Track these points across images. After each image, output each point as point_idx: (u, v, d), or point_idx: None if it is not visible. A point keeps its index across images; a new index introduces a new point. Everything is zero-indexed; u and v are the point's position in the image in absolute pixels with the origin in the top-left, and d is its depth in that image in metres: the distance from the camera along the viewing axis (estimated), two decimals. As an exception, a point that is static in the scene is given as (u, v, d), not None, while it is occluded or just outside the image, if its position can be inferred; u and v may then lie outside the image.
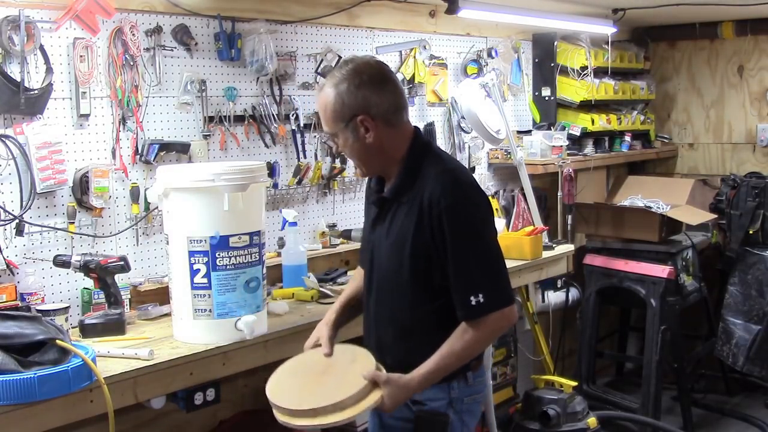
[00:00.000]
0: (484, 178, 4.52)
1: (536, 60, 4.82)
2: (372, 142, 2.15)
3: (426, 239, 2.12)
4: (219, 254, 2.49)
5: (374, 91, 2.14)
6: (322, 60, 3.59)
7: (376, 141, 2.15)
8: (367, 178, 2.42)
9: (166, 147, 3.05)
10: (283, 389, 2.14)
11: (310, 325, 2.78)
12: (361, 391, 2.05)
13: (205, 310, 2.52)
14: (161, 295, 2.87)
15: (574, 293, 4.80)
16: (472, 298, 2.08)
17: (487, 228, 2.17)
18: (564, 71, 4.82)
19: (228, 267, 2.51)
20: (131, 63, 2.94)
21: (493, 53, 4.43)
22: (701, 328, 5.04)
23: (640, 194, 4.88)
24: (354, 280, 2.51)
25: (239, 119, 3.32)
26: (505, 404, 4.05)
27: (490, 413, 3.68)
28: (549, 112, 4.81)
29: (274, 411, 2.10)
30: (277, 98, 3.44)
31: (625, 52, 5.24)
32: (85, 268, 2.66)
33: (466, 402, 2.24)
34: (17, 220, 2.65)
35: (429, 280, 2.16)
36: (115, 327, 2.65)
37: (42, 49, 2.70)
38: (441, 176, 2.14)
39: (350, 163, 3.66)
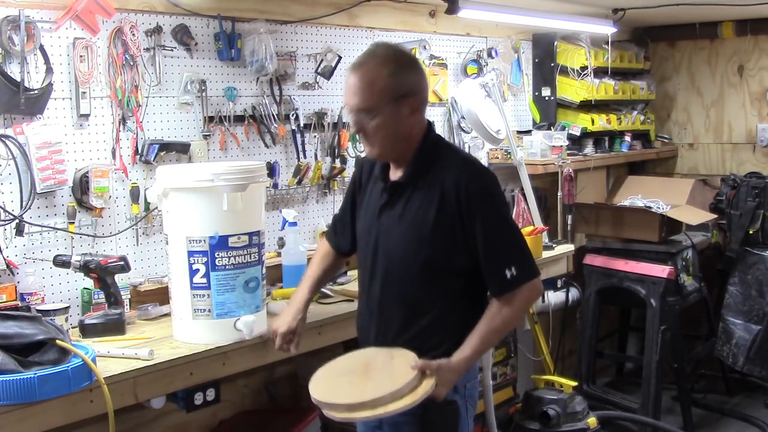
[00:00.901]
0: (484, 178, 4.52)
1: (536, 60, 4.82)
2: (408, 124, 2.21)
3: (450, 222, 2.18)
4: (218, 254, 2.49)
5: (422, 78, 2.25)
6: (322, 60, 3.59)
7: (409, 124, 2.22)
8: (359, 166, 2.47)
9: (166, 147, 3.05)
10: (333, 389, 2.16)
11: (310, 324, 2.79)
12: (414, 380, 2.09)
13: (205, 310, 2.53)
14: (161, 295, 2.87)
15: (574, 293, 4.80)
16: (506, 271, 2.18)
17: (508, 209, 2.32)
18: (564, 71, 4.82)
19: (227, 267, 2.51)
20: (131, 63, 2.94)
21: (493, 53, 4.43)
22: (701, 328, 5.03)
23: (640, 194, 4.88)
24: (320, 257, 2.58)
25: (239, 119, 3.32)
26: (505, 404, 4.05)
27: (490, 413, 3.68)
28: (549, 112, 4.81)
29: (329, 411, 2.10)
30: (277, 98, 3.44)
31: (625, 52, 5.24)
32: (85, 268, 2.67)
33: (468, 387, 2.29)
34: (17, 220, 2.65)
35: (447, 262, 2.21)
36: (115, 327, 2.65)
37: (42, 49, 2.70)
38: (464, 164, 2.25)
39: (350, 162, 3.67)
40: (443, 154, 2.27)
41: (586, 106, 4.90)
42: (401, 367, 2.13)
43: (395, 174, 2.30)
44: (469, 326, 2.21)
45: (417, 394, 2.07)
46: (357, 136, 2.32)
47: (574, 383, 4.06)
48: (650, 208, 4.60)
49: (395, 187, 2.28)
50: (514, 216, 4.55)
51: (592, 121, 4.91)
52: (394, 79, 2.17)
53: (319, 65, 3.60)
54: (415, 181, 2.24)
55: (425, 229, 2.20)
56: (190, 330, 2.56)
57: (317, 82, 3.61)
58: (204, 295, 2.52)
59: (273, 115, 3.41)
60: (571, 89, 4.81)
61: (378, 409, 2.05)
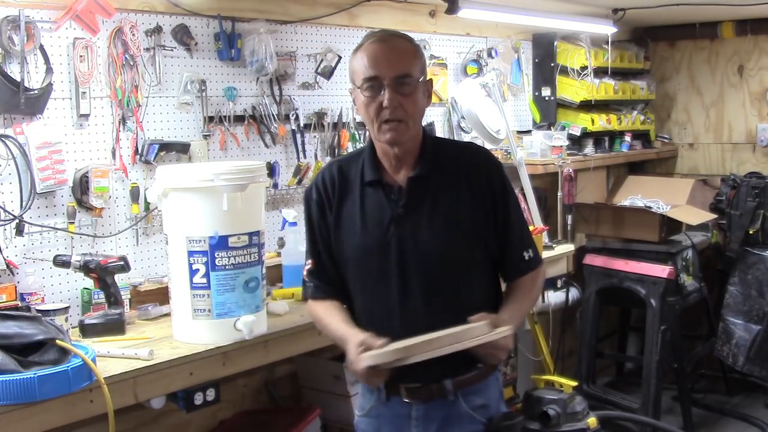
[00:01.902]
0: (484, 178, 4.52)
1: (536, 60, 4.82)
2: (425, 108, 2.14)
3: (484, 212, 2.12)
4: (218, 254, 2.49)
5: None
6: (322, 60, 3.59)
7: (425, 109, 2.14)
8: (316, 187, 2.20)
9: (166, 147, 3.05)
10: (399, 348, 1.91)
11: (310, 325, 2.78)
12: (486, 326, 1.93)
13: (204, 310, 2.53)
14: (161, 295, 2.87)
15: (574, 293, 4.79)
16: (525, 254, 2.18)
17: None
18: (564, 71, 4.82)
19: (227, 267, 2.51)
20: (131, 63, 2.94)
21: (493, 53, 4.43)
22: (701, 328, 5.03)
23: (640, 194, 4.88)
24: (330, 313, 2.18)
25: (239, 119, 3.32)
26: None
27: (490, 413, 3.67)
28: (549, 112, 4.81)
29: (393, 361, 1.89)
30: (277, 98, 3.44)
31: (625, 52, 5.24)
32: (85, 268, 2.66)
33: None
34: (17, 220, 2.65)
35: (487, 252, 2.14)
36: (115, 327, 2.65)
37: (42, 49, 2.70)
38: (469, 146, 2.28)
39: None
40: (444, 143, 2.26)
41: (586, 106, 4.90)
42: (470, 325, 1.94)
43: (401, 172, 2.12)
44: None
45: (493, 335, 1.91)
46: (387, 113, 2.02)
47: (574, 383, 4.05)
48: (650, 208, 4.60)
49: (416, 183, 2.09)
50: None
51: (592, 121, 4.91)
52: (423, 57, 2.14)
53: (319, 65, 3.60)
54: (434, 174, 2.10)
55: (466, 223, 2.09)
56: (190, 330, 2.56)
57: (317, 82, 3.61)
58: (204, 295, 2.52)
59: (273, 115, 3.41)
60: (571, 89, 4.81)
61: (457, 345, 1.88)
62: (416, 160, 2.12)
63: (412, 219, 2.08)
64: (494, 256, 2.16)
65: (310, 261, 2.24)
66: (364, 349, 1.95)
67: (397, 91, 2.02)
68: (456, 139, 2.17)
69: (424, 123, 4.00)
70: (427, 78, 2.14)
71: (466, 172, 2.11)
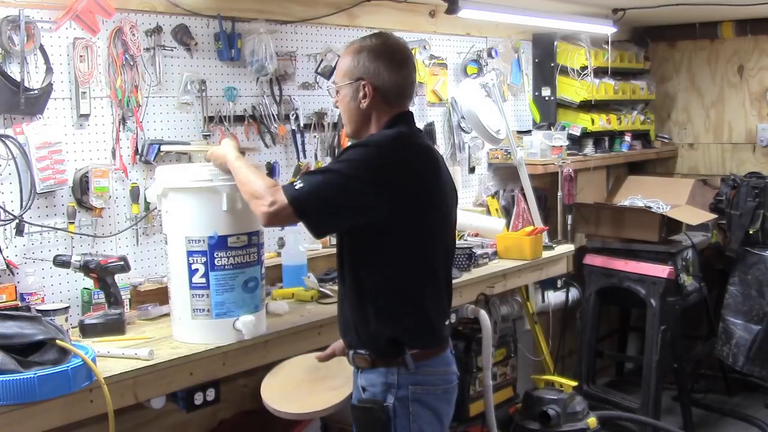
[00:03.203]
0: (484, 178, 4.53)
1: (536, 60, 4.82)
2: (364, 108, 2.27)
3: None
4: (217, 254, 2.49)
5: (388, 68, 2.26)
6: (322, 60, 3.59)
7: (367, 109, 2.27)
8: None
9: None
10: (283, 373, 2.56)
11: (310, 325, 2.79)
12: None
13: (204, 310, 2.53)
14: (161, 295, 2.87)
15: (574, 293, 4.80)
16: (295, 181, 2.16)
17: (349, 165, 2.14)
18: (564, 71, 4.82)
19: (226, 267, 2.51)
20: (131, 63, 2.94)
21: (493, 53, 4.43)
22: (701, 328, 5.03)
23: (640, 194, 4.88)
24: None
25: (239, 119, 3.32)
26: (505, 404, 4.05)
27: (490, 413, 3.68)
28: (549, 112, 4.81)
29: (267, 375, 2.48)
30: (277, 98, 3.44)
31: (625, 52, 5.25)
32: (85, 268, 2.67)
33: (412, 391, 2.22)
34: (17, 220, 2.65)
35: (343, 237, 2.33)
36: (115, 327, 2.65)
37: (42, 49, 2.70)
38: (372, 136, 2.28)
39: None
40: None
41: (586, 106, 4.90)
42: (325, 400, 2.49)
43: None
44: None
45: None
46: None
47: (574, 383, 4.06)
48: (650, 208, 4.60)
49: None
50: (514, 216, 4.55)
51: (592, 121, 4.91)
52: (356, 61, 2.27)
53: (319, 65, 3.60)
54: None
55: None
56: (189, 330, 2.56)
57: (317, 82, 3.61)
58: (203, 295, 2.52)
59: (273, 115, 3.41)
60: (571, 89, 4.81)
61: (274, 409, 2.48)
62: None
63: None
64: (352, 241, 2.23)
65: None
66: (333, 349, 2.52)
67: (332, 94, 2.38)
68: (402, 131, 2.24)
69: (423, 123, 4.06)
70: (371, 78, 2.24)
71: None
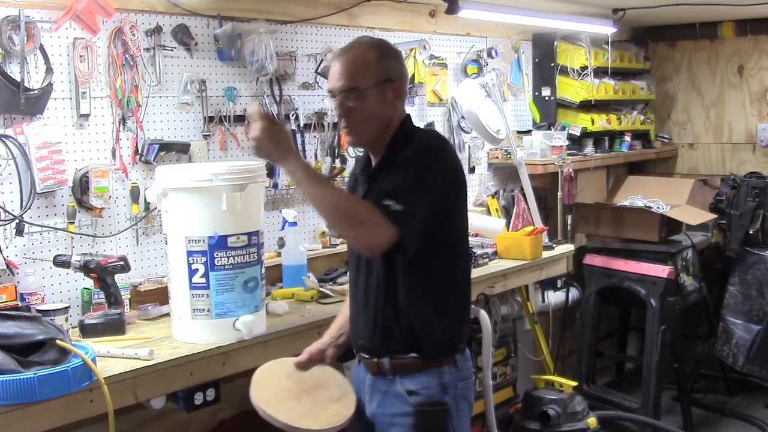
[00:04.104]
0: (484, 178, 4.53)
1: (536, 60, 4.82)
2: (388, 111, 2.21)
3: None
4: (217, 254, 2.49)
5: (404, 68, 2.29)
6: (322, 60, 3.59)
7: (390, 111, 2.21)
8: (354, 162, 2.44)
9: (166, 147, 3.05)
10: (269, 381, 2.33)
11: (310, 325, 2.79)
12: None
13: (204, 309, 2.53)
14: (161, 295, 2.87)
15: (574, 293, 4.80)
16: (387, 201, 2.06)
17: (440, 169, 2.16)
18: (564, 71, 4.82)
19: (226, 267, 2.51)
20: (131, 63, 2.94)
21: (493, 53, 4.43)
22: (701, 328, 5.03)
23: (640, 194, 4.88)
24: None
25: (239, 119, 3.32)
26: (505, 404, 4.05)
27: (490, 413, 3.67)
28: (549, 112, 4.81)
29: (251, 389, 2.30)
30: (277, 98, 3.44)
31: (625, 52, 5.25)
32: (85, 268, 2.67)
33: (459, 387, 2.25)
34: (17, 220, 2.65)
35: None
36: (115, 327, 2.65)
37: (42, 49, 2.70)
38: (422, 133, 2.29)
39: (350, 163, 3.67)
40: (414, 136, 2.24)
41: (586, 106, 4.90)
42: (328, 415, 2.27)
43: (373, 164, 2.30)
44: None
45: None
46: (341, 122, 2.24)
47: (574, 383, 4.06)
48: (650, 208, 4.60)
49: (371, 175, 2.26)
50: (514, 216, 4.55)
51: (592, 121, 4.91)
52: (382, 62, 2.20)
53: (319, 65, 3.60)
54: (387, 165, 2.20)
55: None
56: (189, 330, 2.56)
57: (317, 82, 3.61)
58: (203, 295, 2.52)
59: (273, 115, 3.41)
60: (571, 89, 4.81)
61: (275, 420, 2.24)
62: (381, 155, 2.25)
63: None
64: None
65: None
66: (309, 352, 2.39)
67: (343, 103, 2.19)
68: (438, 132, 2.26)
69: (423, 123, 4.06)
70: (397, 78, 2.22)
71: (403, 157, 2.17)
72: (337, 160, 3.65)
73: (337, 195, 2.13)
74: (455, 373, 2.23)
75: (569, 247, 4.18)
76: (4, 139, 2.62)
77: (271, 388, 2.31)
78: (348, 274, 2.40)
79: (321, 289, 3.12)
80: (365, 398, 2.31)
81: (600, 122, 4.97)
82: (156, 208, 2.92)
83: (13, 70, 2.63)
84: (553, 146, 4.52)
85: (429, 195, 2.12)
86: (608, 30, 4.69)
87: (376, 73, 2.18)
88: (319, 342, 2.42)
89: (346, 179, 3.69)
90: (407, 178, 2.10)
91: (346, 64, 2.19)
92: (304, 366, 2.38)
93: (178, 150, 3.10)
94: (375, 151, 2.27)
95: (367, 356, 2.28)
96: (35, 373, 2.08)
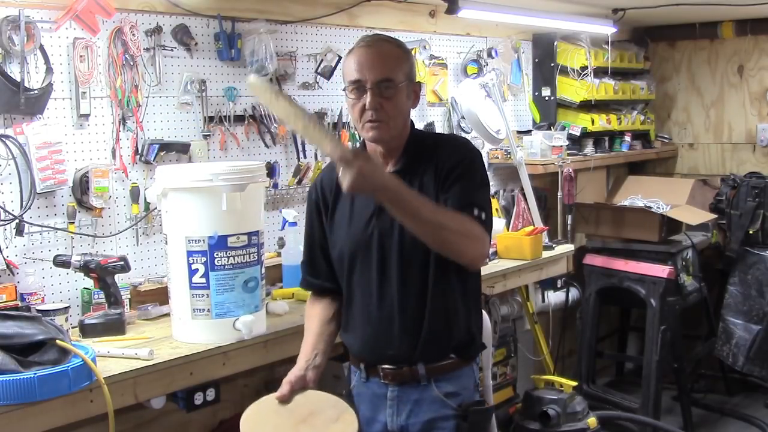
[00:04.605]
0: (484, 178, 4.52)
1: (536, 60, 4.82)
2: (410, 111, 2.21)
3: (437, 188, 2.14)
4: (217, 254, 2.50)
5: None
6: (322, 60, 3.60)
7: (409, 110, 2.21)
8: (318, 187, 2.31)
9: (166, 147, 3.05)
10: (259, 423, 2.13)
11: (310, 325, 2.79)
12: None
13: (204, 309, 2.53)
14: (161, 295, 2.87)
15: (574, 293, 4.80)
16: (473, 209, 2.09)
17: (485, 176, 2.21)
18: (564, 71, 4.82)
19: (226, 267, 2.51)
20: (131, 63, 2.94)
21: (493, 53, 4.43)
22: (701, 328, 5.03)
23: (640, 194, 4.88)
24: (310, 318, 2.34)
25: (239, 119, 3.32)
26: (505, 404, 4.05)
27: (489, 413, 3.67)
28: (549, 112, 4.81)
29: None
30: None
31: (625, 52, 5.24)
32: (85, 268, 2.67)
33: (477, 384, 2.29)
34: (17, 220, 2.65)
35: None
36: (115, 327, 2.65)
37: (42, 49, 2.70)
38: (450, 138, 2.34)
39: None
40: (428, 136, 2.25)
41: (586, 106, 4.90)
42: None
43: (387, 168, 2.17)
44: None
45: None
46: (369, 114, 2.10)
47: (574, 383, 4.06)
48: (650, 208, 4.60)
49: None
50: (514, 216, 4.55)
51: (592, 121, 4.91)
52: (411, 61, 2.21)
53: (319, 65, 3.60)
54: (413, 168, 2.17)
55: None
56: (189, 330, 2.56)
57: (317, 82, 3.61)
58: (203, 295, 2.52)
59: (273, 115, 3.41)
60: (571, 89, 4.81)
61: None
62: (399, 156, 2.20)
63: (387, 214, 2.10)
64: None
65: (306, 253, 2.38)
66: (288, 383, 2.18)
67: (378, 94, 2.11)
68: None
69: (423, 123, 4.06)
70: (415, 80, 2.21)
71: (436, 162, 2.15)
72: (337, 160, 3.64)
73: (436, 209, 2.05)
74: (476, 370, 2.26)
75: (569, 247, 4.18)
76: (4, 139, 2.62)
77: (265, 430, 2.15)
78: (354, 289, 2.24)
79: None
80: (386, 412, 2.22)
81: (600, 122, 4.97)
82: (156, 208, 2.92)
83: (13, 70, 2.63)
84: (553, 146, 4.52)
85: (490, 199, 2.22)
86: (608, 30, 4.69)
87: (405, 70, 2.16)
88: (295, 368, 2.23)
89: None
90: (476, 185, 2.14)
91: (380, 56, 2.12)
92: (287, 398, 2.19)
93: (178, 150, 3.10)
94: (392, 151, 2.19)
95: (394, 366, 2.19)
96: (35, 373, 2.08)
